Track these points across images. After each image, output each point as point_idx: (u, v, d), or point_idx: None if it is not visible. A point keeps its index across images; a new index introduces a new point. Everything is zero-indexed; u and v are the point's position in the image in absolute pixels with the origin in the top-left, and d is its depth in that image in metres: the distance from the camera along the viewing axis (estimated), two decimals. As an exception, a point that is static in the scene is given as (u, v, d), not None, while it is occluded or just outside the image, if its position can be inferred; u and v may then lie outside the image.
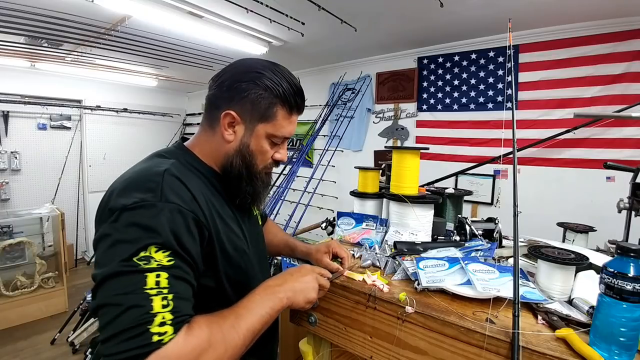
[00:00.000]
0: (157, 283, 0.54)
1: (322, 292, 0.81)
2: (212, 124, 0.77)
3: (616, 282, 0.56)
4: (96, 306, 0.53)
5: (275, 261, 1.17)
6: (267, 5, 2.20)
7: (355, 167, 1.47)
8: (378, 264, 1.02)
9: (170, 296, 0.54)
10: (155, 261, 0.55)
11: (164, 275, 0.55)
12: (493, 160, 2.61)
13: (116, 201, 0.60)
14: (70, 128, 4.58)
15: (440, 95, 3.09)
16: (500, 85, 2.74)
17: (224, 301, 0.68)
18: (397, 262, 1.00)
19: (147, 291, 0.53)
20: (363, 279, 0.90)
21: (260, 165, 0.79)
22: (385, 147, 3.38)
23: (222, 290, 0.72)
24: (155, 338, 0.50)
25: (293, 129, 0.81)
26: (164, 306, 0.53)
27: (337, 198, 3.80)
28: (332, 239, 1.30)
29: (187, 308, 0.57)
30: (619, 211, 1.31)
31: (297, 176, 3.38)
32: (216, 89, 0.76)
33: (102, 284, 0.54)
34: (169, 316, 0.53)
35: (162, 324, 0.52)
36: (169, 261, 0.56)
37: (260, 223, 0.95)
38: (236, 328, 0.61)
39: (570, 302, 0.79)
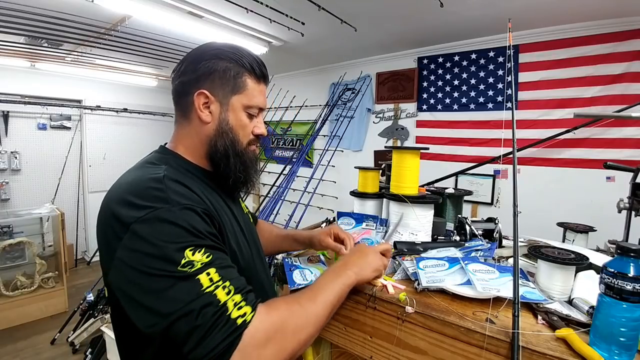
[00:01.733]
0: (211, 280, 0.56)
1: (387, 259, 0.87)
2: (186, 112, 0.75)
3: (616, 282, 0.56)
4: (167, 325, 0.53)
5: (276, 261, 1.17)
6: (267, 5, 2.20)
7: (355, 167, 1.47)
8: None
9: (227, 283, 0.57)
10: (197, 262, 0.56)
11: (211, 270, 0.56)
12: (493, 160, 2.61)
13: (127, 213, 0.58)
14: (70, 128, 4.58)
15: (440, 95, 3.09)
16: (500, 85, 2.74)
17: None
18: (397, 262, 1.00)
19: (207, 291, 0.54)
20: (381, 283, 0.88)
21: (244, 140, 0.78)
22: (385, 147, 3.38)
23: None
24: (240, 320, 0.54)
25: (264, 99, 0.80)
26: (227, 293, 0.56)
27: (337, 198, 3.80)
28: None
29: (244, 284, 0.60)
30: (619, 211, 1.31)
31: (297, 176, 3.37)
32: (180, 77, 0.75)
33: (158, 296, 0.54)
34: (237, 298, 0.56)
35: (238, 307, 0.55)
36: (207, 257, 0.58)
37: (251, 220, 0.95)
38: (314, 300, 0.66)
39: (570, 302, 0.79)
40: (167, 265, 0.55)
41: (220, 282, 0.56)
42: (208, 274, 0.56)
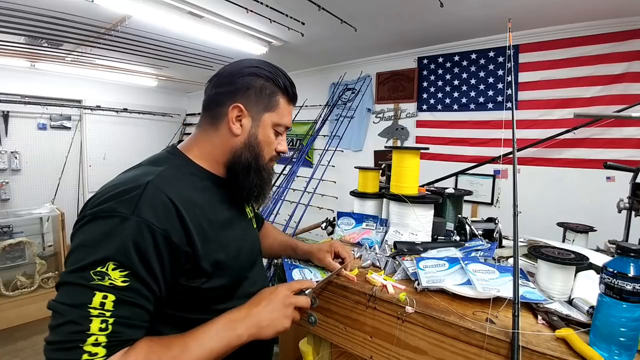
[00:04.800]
0: (102, 305, 0.53)
1: (303, 314, 0.80)
2: (215, 122, 0.76)
3: (616, 282, 0.56)
4: (48, 308, 0.56)
5: (276, 261, 1.17)
6: (267, 5, 2.20)
7: (355, 167, 1.47)
8: (378, 264, 1.02)
9: (111, 320, 0.54)
10: (110, 279, 0.54)
11: (111, 297, 0.54)
12: (493, 160, 2.61)
13: (91, 207, 0.60)
14: (70, 128, 4.58)
15: (440, 95, 3.09)
16: (500, 85, 2.74)
17: (210, 311, 0.68)
18: (397, 262, 1.00)
19: (90, 310, 0.53)
20: (380, 283, 0.87)
21: (267, 156, 0.80)
22: (385, 147, 3.38)
23: (209, 298, 0.70)
24: (85, 356, 0.51)
25: (291, 119, 0.84)
26: (101, 329, 0.53)
27: (337, 198, 3.80)
28: (332, 239, 1.30)
29: (129, 333, 0.56)
30: (619, 211, 1.31)
31: (297, 176, 3.37)
32: (216, 88, 0.77)
33: (58, 287, 0.56)
34: (103, 339, 0.53)
35: (96, 345, 0.52)
36: (123, 282, 0.55)
37: (255, 226, 0.94)
38: None
39: (570, 302, 0.79)
40: (86, 264, 0.55)
41: (107, 314, 0.53)
42: (105, 297, 0.53)
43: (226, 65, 0.80)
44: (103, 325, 0.53)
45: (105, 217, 0.58)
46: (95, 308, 0.53)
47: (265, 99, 0.76)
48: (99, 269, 0.54)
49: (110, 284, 0.54)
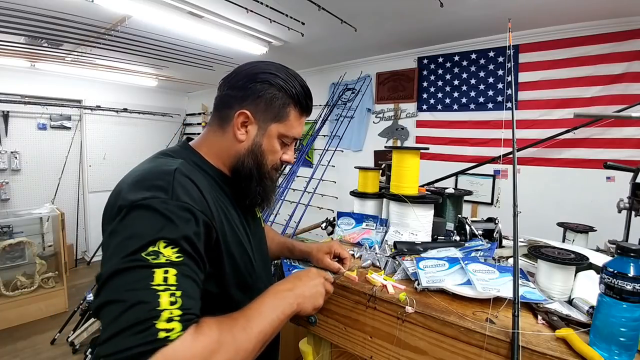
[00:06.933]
0: (165, 279, 0.51)
1: (326, 297, 0.81)
2: (223, 124, 0.76)
3: (616, 282, 0.57)
4: (99, 304, 0.50)
5: (276, 261, 1.18)
6: (267, 5, 2.20)
7: (355, 167, 1.47)
8: (378, 264, 1.02)
9: (178, 293, 0.51)
10: (164, 256, 0.53)
11: (172, 271, 0.52)
12: (493, 160, 2.61)
13: (125, 199, 0.58)
14: (70, 128, 4.58)
15: (440, 95, 3.09)
16: (500, 85, 2.74)
17: (227, 306, 0.67)
18: (397, 262, 1.00)
19: (154, 287, 0.50)
20: (380, 283, 0.87)
21: (270, 165, 0.79)
22: (385, 147, 3.38)
23: (226, 295, 0.71)
24: (162, 334, 0.47)
25: (302, 130, 0.82)
26: (171, 303, 0.50)
27: (337, 198, 3.80)
28: (332, 239, 1.30)
29: (195, 307, 0.54)
30: (619, 211, 1.31)
31: (297, 176, 3.38)
32: (228, 89, 0.76)
33: (107, 281, 0.51)
34: (177, 312, 0.50)
35: (169, 320, 0.48)
36: (177, 257, 0.54)
37: (262, 225, 0.95)
38: (247, 331, 0.59)
39: (570, 302, 0.79)
40: (135, 248, 0.52)
41: (173, 288, 0.51)
42: (166, 271, 0.52)
43: (243, 65, 0.78)
44: (173, 299, 0.50)
45: (145, 205, 0.56)
46: (159, 284, 0.50)
47: (274, 109, 0.75)
48: (150, 248, 0.52)
49: (167, 260, 0.53)
